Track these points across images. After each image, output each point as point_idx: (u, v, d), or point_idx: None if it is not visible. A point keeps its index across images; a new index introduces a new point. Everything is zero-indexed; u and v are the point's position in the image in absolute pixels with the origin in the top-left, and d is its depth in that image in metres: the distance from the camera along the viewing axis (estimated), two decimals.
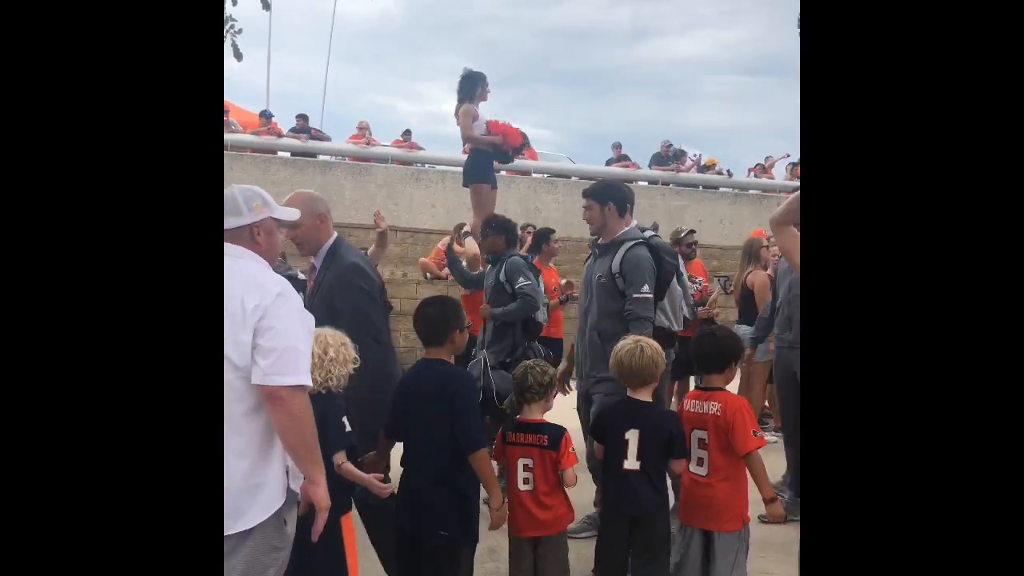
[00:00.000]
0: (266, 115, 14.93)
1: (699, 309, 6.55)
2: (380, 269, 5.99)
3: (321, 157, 14.71)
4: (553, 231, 7.57)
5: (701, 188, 16.61)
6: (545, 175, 15.89)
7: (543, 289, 6.98)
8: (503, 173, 10.65)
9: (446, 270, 11.24)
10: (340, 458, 3.08)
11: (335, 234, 3.89)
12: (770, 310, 5.98)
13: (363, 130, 15.10)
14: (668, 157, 16.95)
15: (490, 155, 6.96)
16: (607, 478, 3.59)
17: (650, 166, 16.91)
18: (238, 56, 6.85)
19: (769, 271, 7.08)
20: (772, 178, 17.48)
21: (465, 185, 7.06)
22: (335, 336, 3.21)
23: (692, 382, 6.15)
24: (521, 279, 5.37)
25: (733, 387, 5.06)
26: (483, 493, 3.33)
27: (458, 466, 3.22)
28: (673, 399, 6.48)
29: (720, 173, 17.09)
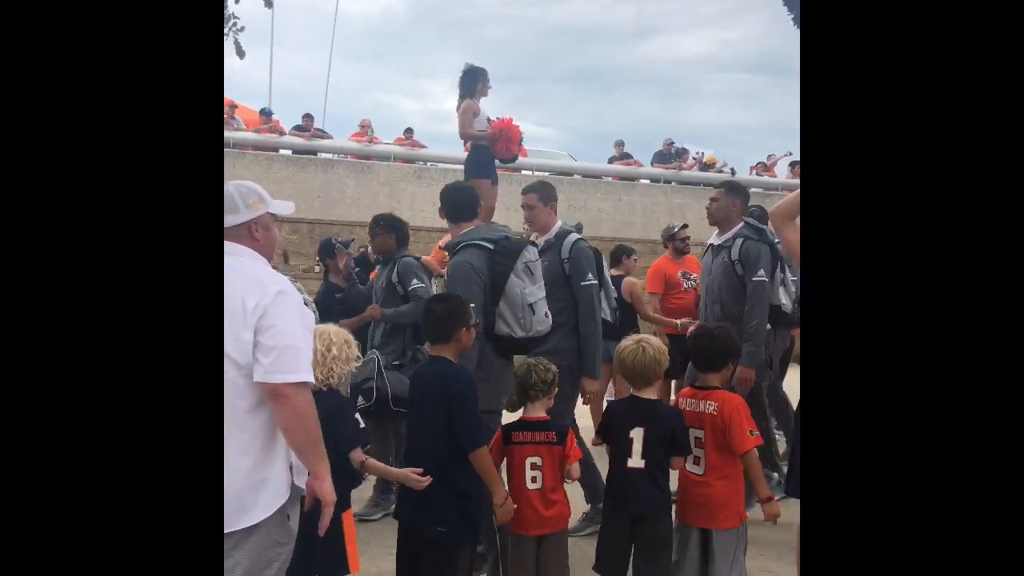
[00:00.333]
0: (266, 113, 14.92)
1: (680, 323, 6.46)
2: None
3: (323, 155, 14.71)
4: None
5: (703, 186, 16.59)
6: (547, 173, 15.88)
7: None
8: (506, 170, 10.64)
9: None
10: (359, 455, 3.09)
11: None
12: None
13: (365, 128, 15.10)
14: (670, 155, 16.93)
15: (491, 150, 6.94)
16: (610, 476, 3.60)
17: (652, 164, 16.90)
18: (240, 54, 6.85)
19: None
20: (774, 176, 17.45)
21: (466, 181, 7.05)
22: (339, 333, 3.21)
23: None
24: (414, 281, 5.26)
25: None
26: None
27: (458, 464, 3.23)
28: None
29: (722, 171, 17.06)
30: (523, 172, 14.98)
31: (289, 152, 14.52)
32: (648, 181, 16.46)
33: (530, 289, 4.00)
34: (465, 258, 3.94)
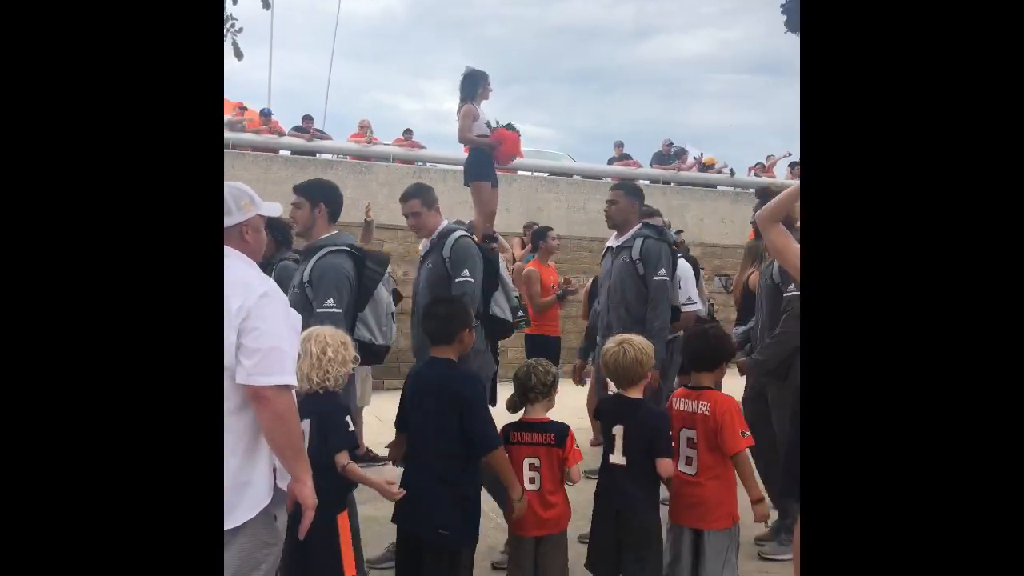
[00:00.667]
0: (265, 113, 14.92)
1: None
2: None
3: (322, 156, 14.69)
4: (551, 228, 7.56)
5: (702, 187, 16.60)
6: (547, 174, 15.87)
7: (539, 287, 6.98)
8: (503, 170, 10.65)
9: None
10: (343, 458, 3.09)
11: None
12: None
13: (364, 129, 15.10)
14: (670, 156, 16.93)
15: (491, 154, 6.94)
16: (600, 471, 3.64)
17: (651, 165, 16.90)
18: (238, 55, 6.85)
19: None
20: (773, 177, 17.45)
21: (466, 184, 7.04)
22: (335, 335, 3.21)
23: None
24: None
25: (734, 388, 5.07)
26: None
27: (459, 466, 3.23)
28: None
29: (721, 172, 17.07)
30: (519, 173, 15.01)
31: (288, 153, 14.51)
32: (647, 182, 16.46)
33: (390, 299, 4.10)
34: (338, 261, 3.87)
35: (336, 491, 3.04)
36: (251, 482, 2.43)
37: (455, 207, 12.57)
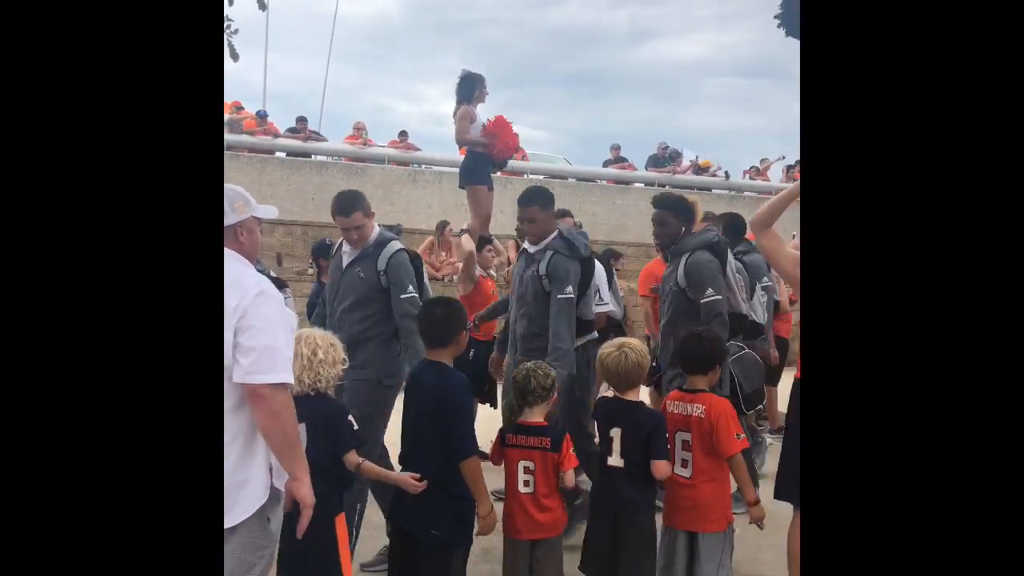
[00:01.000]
0: (261, 115, 14.91)
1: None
2: None
3: (317, 157, 14.69)
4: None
5: (697, 190, 16.62)
6: (542, 176, 15.89)
7: None
8: (499, 174, 10.65)
9: (442, 271, 11.27)
10: (354, 458, 3.08)
11: None
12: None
13: (359, 131, 15.09)
14: (665, 159, 16.96)
15: (487, 156, 6.95)
16: (597, 474, 3.64)
17: (647, 167, 16.92)
18: (234, 56, 6.84)
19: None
20: (768, 180, 17.49)
21: (462, 186, 7.05)
22: (324, 337, 3.21)
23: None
24: None
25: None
26: None
27: (452, 468, 3.23)
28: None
29: (715, 175, 17.11)
30: (524, 176, 15.02)
31: (283, 155, 14.50)
32: (642, 185, 16.48)
33: None
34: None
35: (333, 492, 3.04)
36: (247, 481, 2.43)
37: (450, 210, 12.57)
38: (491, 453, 3.62)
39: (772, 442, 7.26)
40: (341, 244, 4.51)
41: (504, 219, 10.19)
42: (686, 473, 3.54)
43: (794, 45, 1.90)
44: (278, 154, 14.48)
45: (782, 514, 3.63)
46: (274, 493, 2.54)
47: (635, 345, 3.59)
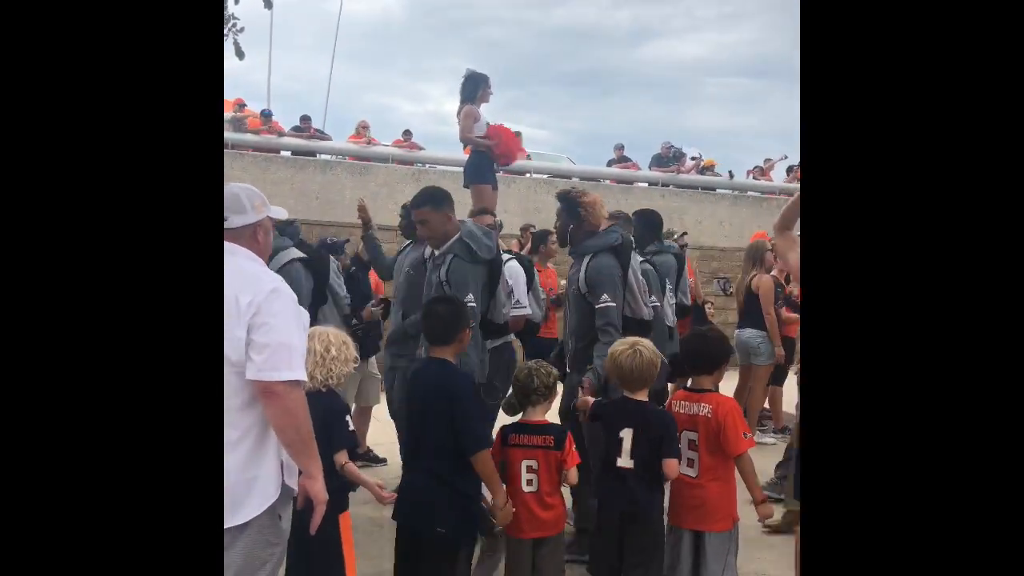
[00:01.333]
0: (266, 114, 14.93)
1: None
2: None
3: (322, 156, 14.70)
4: (552, 232, 7.56)
5: (700, 189, 16.62)
6: (545, 176, 15.88)
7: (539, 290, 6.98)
8: (502, 173, 10.65)
9: None
10: (342, 458, 3.10)
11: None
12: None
13: (364, 129, 15.10)
14: (668, 158, 16.95)
15: (491, 156, 6.96)
16: (603, 475, 3.61)
17: (650, 167, 16.91)
18: (240, 55, 6.85)
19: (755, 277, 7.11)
20: (771, 180, 17.48)
21: (466, 186, 7.05)
22: (337, 335, 3.23)
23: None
24: None
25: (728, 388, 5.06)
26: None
27: (458, 465, 3.24)
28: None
29: (719, 175, 17.11)
30: (527, 175, 15.02)
31: (288, 153, 14.52)
32: (646, 184, 16.47)
33: None
34: None
35: (338, 491, 3.05)
36: (258, 478, 2.43)
37: (456, 208, 12.55)
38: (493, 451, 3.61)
39: (776, 442, 7.27)
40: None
41: (507, 218, 10.18)
42: (692, 472, 3.54)
43: (796, 44, 1.91)
44: (282, 153, 14.50)
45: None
46: (286, 490, 2.54)
47: (648, 344, 3.59)
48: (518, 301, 4.97)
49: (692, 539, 3.54)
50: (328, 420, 3.08)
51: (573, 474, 3.48)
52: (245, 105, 14.97)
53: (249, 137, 14.20)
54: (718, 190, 16.89)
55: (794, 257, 3.49)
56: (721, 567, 3.47)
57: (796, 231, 3.31)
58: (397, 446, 4.95)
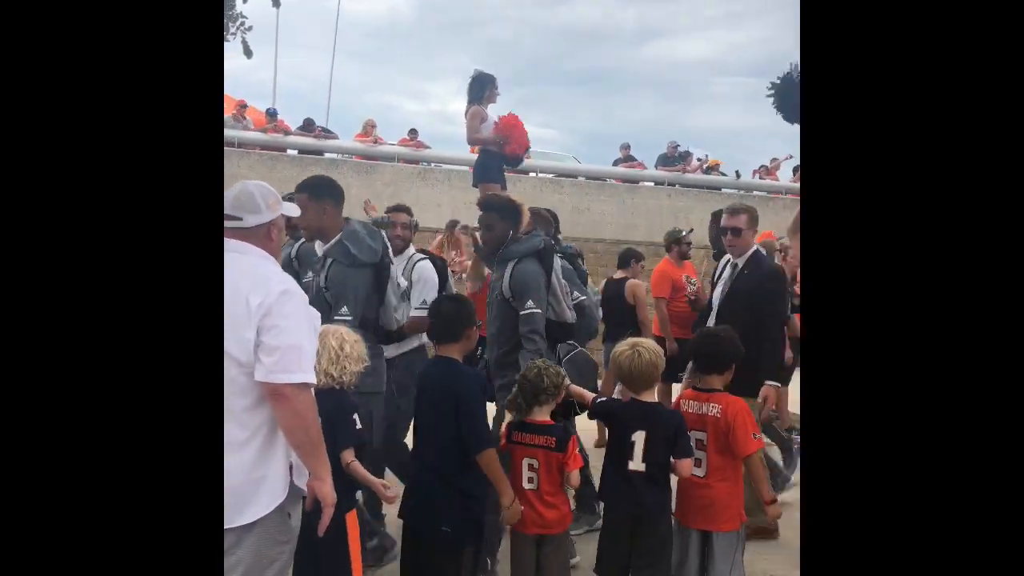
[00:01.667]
0: (271, 113, 14.96)
1: None
2: None
3: (328, 155, 14.73)
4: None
5: (707, 189, 16.60)
6: (551, 175, 15.89)
7: None
8: (508, 172, 10.66)
9: (452, 269, 11.27)
10: (348, 456, 3.11)
11: None
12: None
13: (371, 128, 15.12)
14: (674, 158, 16.93)
15: (500, 155, 6.97)
16: (611, 477, 3.60)
17: (656, 166, 16.90)
18: (248, 53, 6.89)
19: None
20: (777, 180, 17.45)
21: (474, 185, 7.07)
22: (350, 333, 3.25)
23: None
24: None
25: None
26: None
27: (463, 464, 3.24)
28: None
29: (725, 174, 17.09)
30: (532, 174, 15.02)
31: (295, 152, 14.55)
32: (652, 184, 16.46)
33: None
34: None
35: (345, 489, 3.05)
36: (266, 478, 2.43)
37: (459, 208, 12.58)
38: (500, 448, 3.61)
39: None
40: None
41: None
42: (700, 472, 3.53)
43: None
44: (288, 152, 14.54)
45: (789, 513, 3.63)
46: (294, 490, 2.54)
47: (649, 344, 3.57)
48: (425, 302, 4.61)
49: (700, 539, 3.54)
50: (335, 418, 3.09)
51: (575, 476, 3.46)
52: (247, 106, 14.99)
53: (256, 135, 14.25)
54: (724, 189, 16.87)
55: None
56: (729, 567, 3.47)
57: None
58: None
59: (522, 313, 4.10)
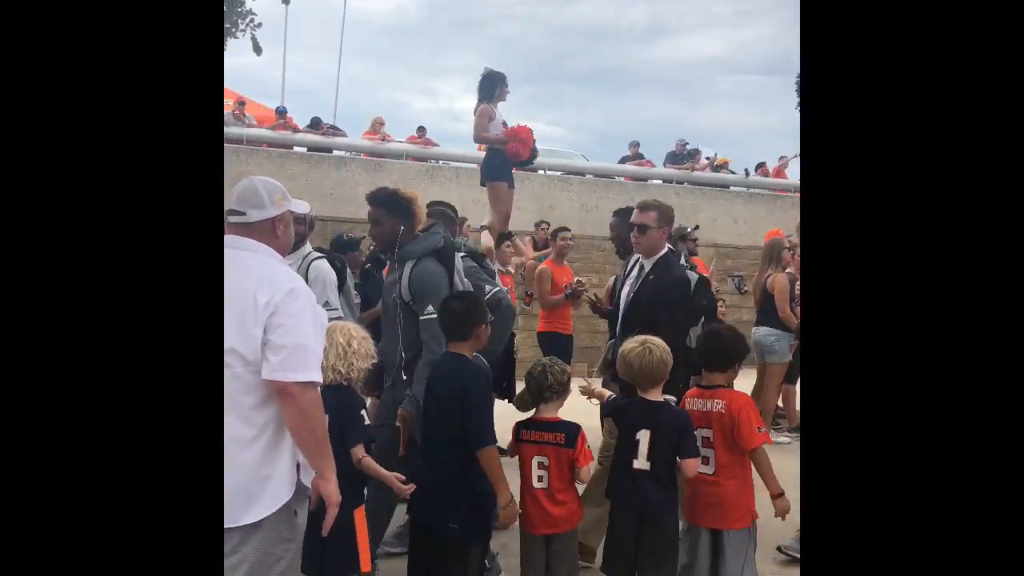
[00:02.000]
0: (281, 111, 15.00)
1: None
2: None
3: (336, 153, 14.76)
4: (567, 229, 7.57)
5: (716, 187, 16.57)
6: (560, 172, 15.88)
7: (550, 286, 6.99)
8: (515, 170, 10.68)
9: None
10: (359, 452, 3.12)
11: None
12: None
13: (379, 126, 15.15)
14: (683, 156, 16.90)
15: (507, 154, 6.98)
16: (617, 475, 3.61)
17: (665, 164, 16.87)
18: (257, 50, 6.92)
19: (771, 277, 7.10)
20: (786, 178, 17.39)
21: (482, 183, 7.08)
22: (357, 329, 3.26)
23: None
24: None
25: (746, 387, 5.02)
26: None
27: (470, 461, 3.25)
28: None
29: (733, 172, 17.05)
30: (540, 172, 15.01)
31: (303, 149, 14.59)
32: (660, 181, 16.44)
33: None
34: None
35: (352, 485, 3.05)
36: (273, 476, 2.44)
37: (467, 206, 12.58)
38: (510, 446, 3.61)
39: (790, 441, 7.26)
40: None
41: (521, 215, 10.20)
42: (708, 470, 3.52)
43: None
44: (296, 149, 14.57)
45: (797, 509, 3.61)
46: (301, 488, 2.55)
47: (659, 342, 3.55)
48: (327, 303, 4.53)
49: (710, 537, 3.53)
50: (343, 415, 3.10)
51: (585, 472, 3.47)
52: (245, 103, 15.02)
53: (264, 132, 14.28)
54: (732, 188, 16.84)
55: None
56: (740, 565, 3.46)
57: None
58: None
59: (422, 318, 3.84)
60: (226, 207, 2.56)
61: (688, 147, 17.13)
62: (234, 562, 2.36)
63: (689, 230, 7.32)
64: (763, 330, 7.16)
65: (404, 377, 3.92)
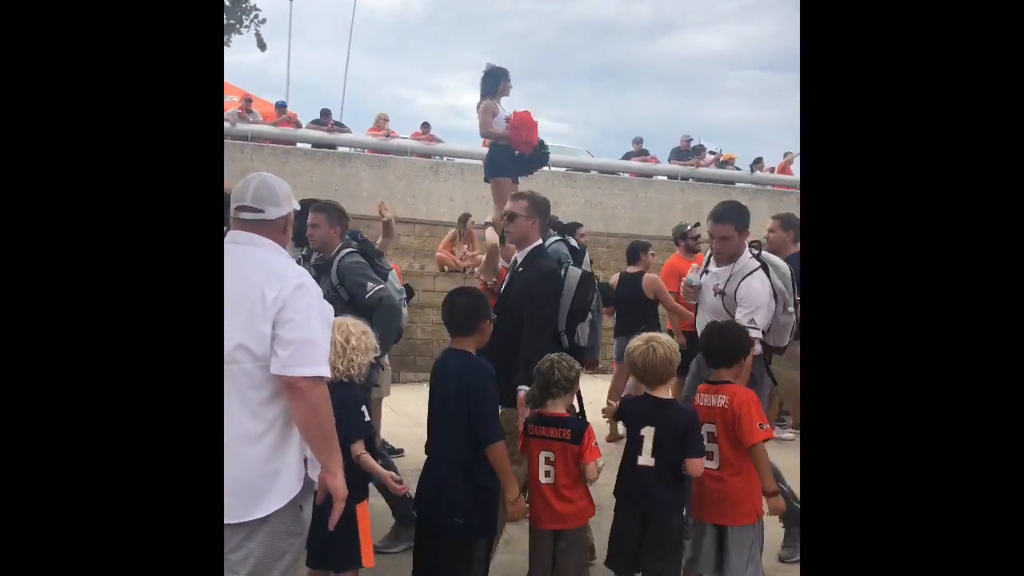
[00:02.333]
0: (281, 105, 14.96)
1: None
2: (398, 261, 6.04)
3: (341, 149, 14.76)
4: (580, 224, 7.54)
5: (721, 184, 16.54)
6: (564, 169, 15.87)
7: None
8: None
9: (464, 263, 11.30)
10: (358, 448, 3.13)
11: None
12: None
13: (383, 122, 15.14)
14: (688, 152, 16.88)
15: (511, 150, 6.95)
16: (623, 471, 3.61)
17: (670, 161, 16.85)
18: (262, 46, 6.92)
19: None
20: (791, 174, 17.35)
21: (486, 179, 7.07)
22: (357, 325, 3.26)
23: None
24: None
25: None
26: None
27: (477, 456, 3.25)
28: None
29: (739, 168, 17.02)
30: (545, 169, 14.99)
31: (307, 146, 14.59)
32: (665, 178, 16.43)
33: None
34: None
35: (357, 480, 3.07)
36: (281, 471, 2.45)
37: (471, 202, 12.60)
38: (519, 443, 3.62)
39: (794, 437, 7.25)
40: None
41: None
42: (713, 465, 3.52)
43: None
44: (300, 145, 14.58)
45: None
46: (307, 482, 2.56)
47: (664, 340, 3.55)
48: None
49: (715, 533, 3.54)
50: (344, 411, 3.11)
51: (592, 469, 3.45)
52: (252, 99, 15.01)
53: (269, 129, 14.29)
54: (737, 184, 16.81)
55: None
56: (745, 561, 3.46)
57: None
58: (412, 436, 4.88)
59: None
60: (233, 203, 2.58)
61: (692, 143, 17.11)
62: (240, 556, 2.37)
63: (689, 227, 7.28)
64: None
65: None
